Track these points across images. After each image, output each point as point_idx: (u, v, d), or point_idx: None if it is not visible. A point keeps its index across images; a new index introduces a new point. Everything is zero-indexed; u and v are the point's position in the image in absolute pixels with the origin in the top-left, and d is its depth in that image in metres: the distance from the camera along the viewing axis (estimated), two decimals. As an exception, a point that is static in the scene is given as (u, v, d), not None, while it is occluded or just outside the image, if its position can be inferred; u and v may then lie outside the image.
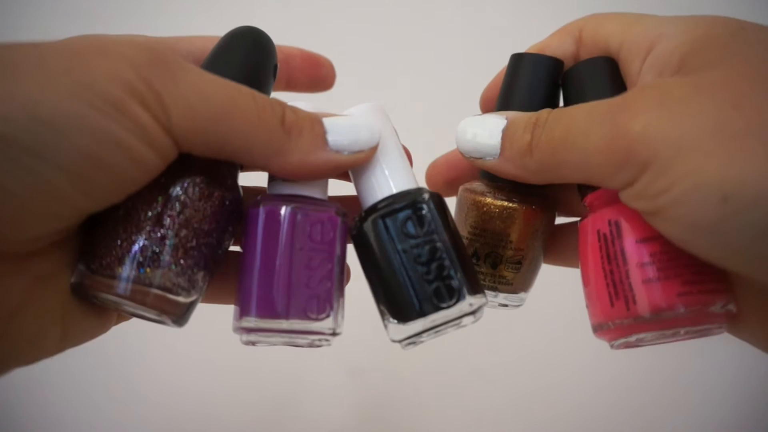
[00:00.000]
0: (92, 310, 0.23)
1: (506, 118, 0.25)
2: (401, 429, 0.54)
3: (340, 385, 0.54)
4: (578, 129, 0.22)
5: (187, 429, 0.52)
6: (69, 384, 0.53)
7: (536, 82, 0.27)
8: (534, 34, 0.30)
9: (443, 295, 0.23)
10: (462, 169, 0.32)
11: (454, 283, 0.23)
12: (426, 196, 0.24)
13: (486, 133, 0.25)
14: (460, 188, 0.30)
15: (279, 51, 0.30)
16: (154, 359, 0.54)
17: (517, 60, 0.28)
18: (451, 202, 0.28)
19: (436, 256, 0.23)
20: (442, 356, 0.49)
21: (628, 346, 0.24)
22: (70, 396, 0.53)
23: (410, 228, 0.24)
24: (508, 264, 0.28)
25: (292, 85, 0.32)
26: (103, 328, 0.24)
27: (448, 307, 0.23)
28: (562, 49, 0.28)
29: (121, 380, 0.54)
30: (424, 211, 0.24)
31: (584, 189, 0.26)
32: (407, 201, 0.24)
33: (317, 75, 0.32)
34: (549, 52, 0.27)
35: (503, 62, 0.29)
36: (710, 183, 0.18)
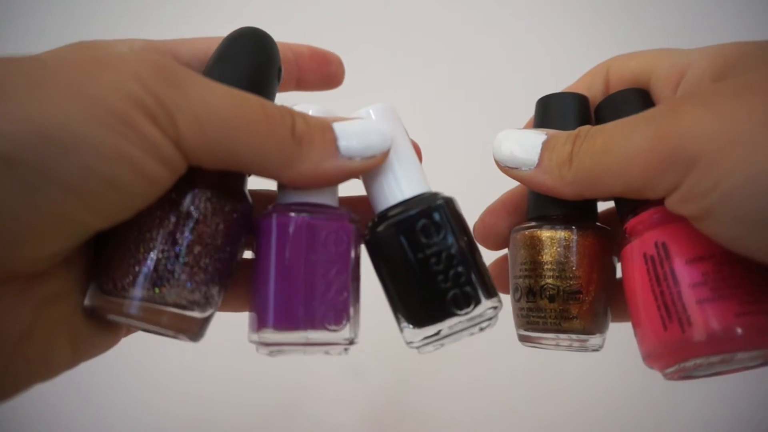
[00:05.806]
0: (102, 325, 0.23)
1: (546, 134, 0.25)
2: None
3: (344, 391, 0.54)
4: (621, 134, 0.22)
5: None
6: (74, 395, 0.53)
7: (567, 118, 0.27)
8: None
9: (460, 302, 0.23)
10: (522, 213, 0.30)
11: (471, 289, 0.23)
12: (439, 201, 0.24)
13: (525, 145, 0.25)
14: (511, 232, 0.28)
15: (288, 49, 0.30)
16: (158, 367, 0.54)
17: (544, 102, 0.28)
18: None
19: (452, 263, 0.23)
20: (446, 362, 0.49)
21: (681, 374, 0.23)
22: (76, 407, 0.53)
23: (425, 235, 0.23)
24: (567, 295, 0.26)
25: (302, 85, 0.31)
26: (114, 341, 0.24)
27: (466, 313, 0.23)
28: (591, 91, 0.28)
29: (124, 388, 0.54)
30: (437, 218, 0.23)
31: (625, 213, 0.25)
32: (421, 207, 0.24)
33: (327, 73, 0.31)
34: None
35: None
36: (764, 171, 0.18)
